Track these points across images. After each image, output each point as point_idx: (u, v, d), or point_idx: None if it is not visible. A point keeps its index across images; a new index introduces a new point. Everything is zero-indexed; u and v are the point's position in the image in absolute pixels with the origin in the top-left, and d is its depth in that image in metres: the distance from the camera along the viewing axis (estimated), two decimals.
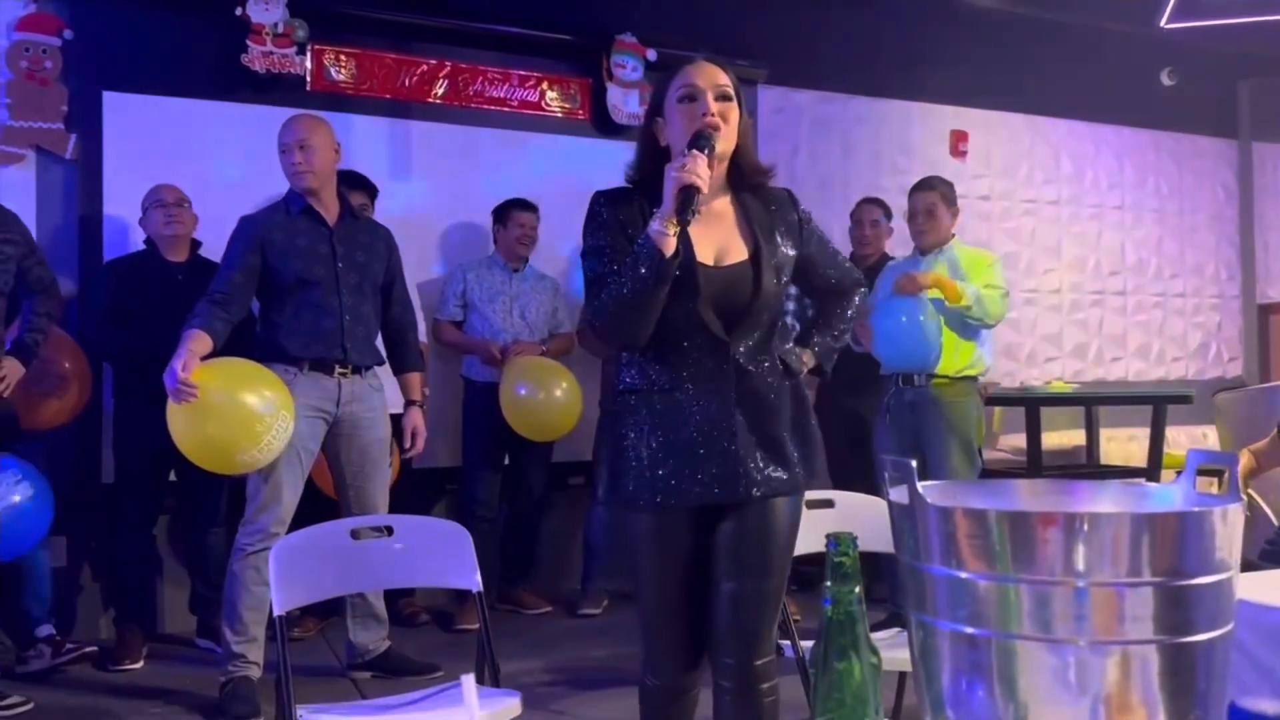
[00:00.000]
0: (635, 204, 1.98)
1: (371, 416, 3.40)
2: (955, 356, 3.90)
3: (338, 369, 3.31)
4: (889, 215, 4.82)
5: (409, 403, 3.53)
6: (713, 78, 1.96)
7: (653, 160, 2.00)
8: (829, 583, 1.03)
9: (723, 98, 1.96)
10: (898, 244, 5.16)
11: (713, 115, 1.92)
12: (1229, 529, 0.97)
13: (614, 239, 1.95)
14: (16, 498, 3.29)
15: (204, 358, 3.03)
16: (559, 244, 4.87)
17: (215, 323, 3.10)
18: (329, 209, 3.37)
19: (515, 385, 4.23)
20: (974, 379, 3.96)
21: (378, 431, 3.42)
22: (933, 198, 3.97)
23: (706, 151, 1.87)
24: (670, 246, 1.85)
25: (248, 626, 3.21)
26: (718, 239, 1.99)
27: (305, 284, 3.27)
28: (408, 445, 3.51)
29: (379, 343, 3.51)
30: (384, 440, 3.44)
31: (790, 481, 2.00)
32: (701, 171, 1.84)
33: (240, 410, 3.02)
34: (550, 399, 4.24)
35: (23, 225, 3.56)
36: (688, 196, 1.82)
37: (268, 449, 3.07)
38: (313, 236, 3.32)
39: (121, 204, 4.12)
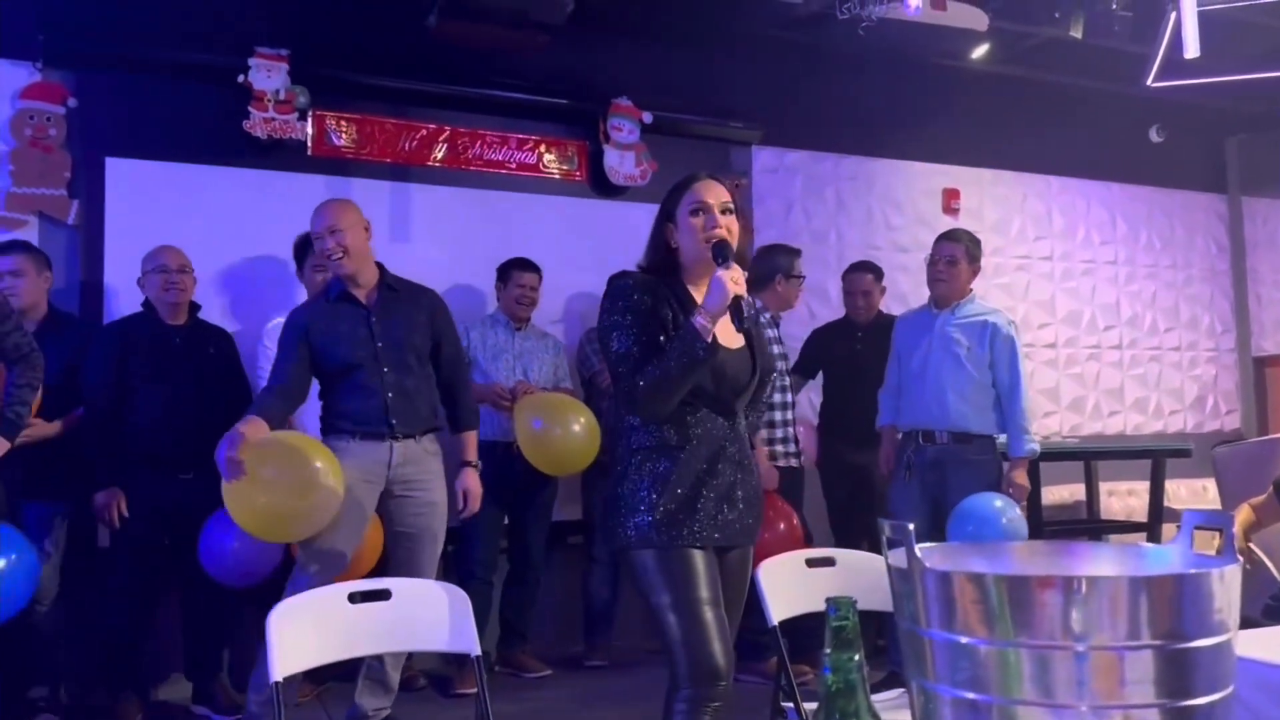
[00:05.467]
0: (663, 292, 2.26)
1: (425, 479, 3.40)
2: (980, 415, 3.89)
3: (388, 436, 3.36)
4: (880, 278, 4.86)
5: (463, 463, 3.54)
6: (719, 195, 2.28)
7: (664, 255, 2.31)
8: (828, 650, 1.02)
9: (726, 211, 2.27)
10: (893, 300, 5.20)
11: (720, 229, 2.24)
12: (1227, 590, 0.98)
13: (645, 322, 2.20)
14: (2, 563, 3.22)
15: None
16: (560, 303, 4.90)
17: (271, 410, 3.19)
18: (365, 288, 3.41)
19: (530, 420, 4.16)
20: (993, 438, 3.94)
21: (431, 495, 3.41)
22: (956, 249, 3.98)
23: (733, 261, 2.20)
24: (711, 337, 2.16)
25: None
26: (722, 328, 2.23)
27: (349, 367, 3.33)
28: (460, 506, 3.51)
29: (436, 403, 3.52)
30: (437, 504, 3.43)
31: None
32: (741, 282, 2.18)
33: (289, 481, 3.11)
34: (568, 434, 4.15)
35: None
36: (734, 301, 2.16)
37: (317, 518, 3.14)
38: (352, 320, 3.37)
39: (123, 269, 4.14)
